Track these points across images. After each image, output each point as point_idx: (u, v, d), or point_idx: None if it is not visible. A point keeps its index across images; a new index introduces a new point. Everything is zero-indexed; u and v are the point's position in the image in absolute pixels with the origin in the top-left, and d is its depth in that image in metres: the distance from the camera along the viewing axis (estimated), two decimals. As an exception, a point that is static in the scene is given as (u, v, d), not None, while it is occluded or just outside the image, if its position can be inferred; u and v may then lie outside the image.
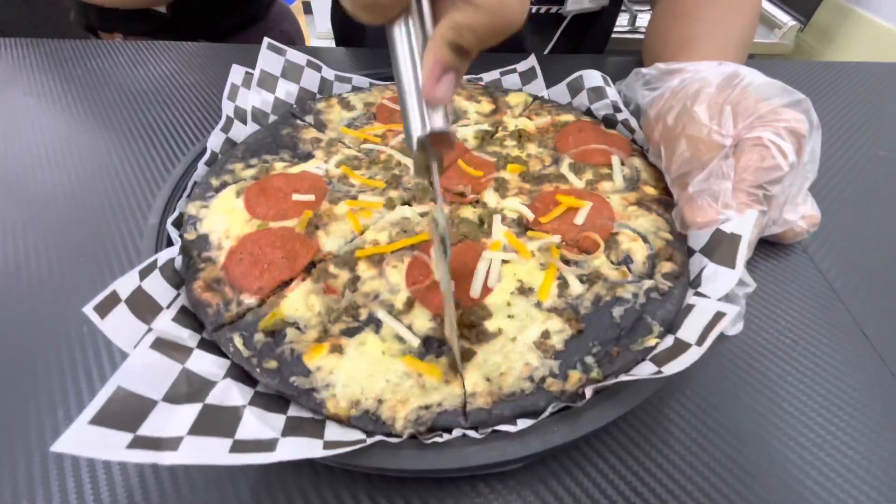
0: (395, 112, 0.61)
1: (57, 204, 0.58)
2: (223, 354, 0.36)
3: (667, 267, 0.42)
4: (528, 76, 0.67)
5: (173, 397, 0.31)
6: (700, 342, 0.31)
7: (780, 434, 0.38)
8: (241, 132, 0.57)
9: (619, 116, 0.56)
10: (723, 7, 0.61)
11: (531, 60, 0.67)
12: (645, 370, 0.34)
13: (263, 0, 1.09)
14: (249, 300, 0.40)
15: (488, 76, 0.69)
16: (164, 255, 0.40)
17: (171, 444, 0.28)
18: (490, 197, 0.49)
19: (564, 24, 0.84)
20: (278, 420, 0.32)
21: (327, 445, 0.29)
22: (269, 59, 0.60)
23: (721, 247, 0.38)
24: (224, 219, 0.46)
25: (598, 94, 0.60)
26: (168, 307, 0.38)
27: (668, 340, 0.36)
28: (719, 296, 0.37)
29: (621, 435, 0.37)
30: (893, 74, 0.84)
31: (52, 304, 0.47)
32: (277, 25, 1.12)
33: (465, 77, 0.68)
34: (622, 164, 0.52)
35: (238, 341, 0.36)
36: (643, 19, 1.77)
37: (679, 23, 0.64)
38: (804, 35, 1.72)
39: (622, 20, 1.77)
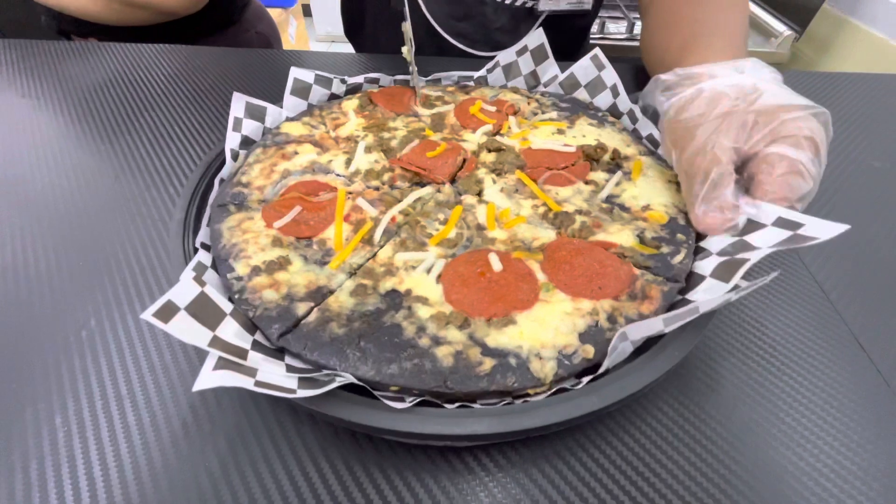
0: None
1: (56, 207, 0.57)
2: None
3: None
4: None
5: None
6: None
7: (778, 444, 0.38)
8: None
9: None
10: (714, 6, 0.61)
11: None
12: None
13: (237, 2, 1.07)
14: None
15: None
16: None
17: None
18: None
19: (539, 23, 0.85)
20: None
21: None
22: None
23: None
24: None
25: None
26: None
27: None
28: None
29: (617, 442, 0.37)
30: (888, 85, 0.85)
31: (49, 308, 0.46)
32: (253, 27, 1.12)
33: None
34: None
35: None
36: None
37: (674, 29, 0.64)
38: (800, 45, 1.75)
39: (620, 28, 1.79)
